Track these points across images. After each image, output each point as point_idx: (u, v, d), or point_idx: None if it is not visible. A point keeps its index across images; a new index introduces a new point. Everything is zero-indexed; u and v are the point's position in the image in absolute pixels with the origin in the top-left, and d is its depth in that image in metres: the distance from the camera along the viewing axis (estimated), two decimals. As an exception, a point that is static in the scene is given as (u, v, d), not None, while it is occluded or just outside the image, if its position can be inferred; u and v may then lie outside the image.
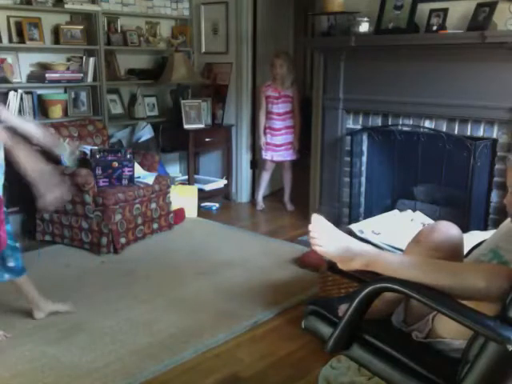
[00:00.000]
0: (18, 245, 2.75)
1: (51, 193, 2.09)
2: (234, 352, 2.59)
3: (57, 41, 4.42)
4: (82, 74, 4.50)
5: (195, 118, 4.99)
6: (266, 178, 5.05)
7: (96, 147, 4.13)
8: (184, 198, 4.62)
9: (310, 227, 1.47)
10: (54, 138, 2.68)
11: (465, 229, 2.50)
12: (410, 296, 1.52)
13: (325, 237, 1.45)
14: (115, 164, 3.92)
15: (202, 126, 5.00)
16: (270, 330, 2.80)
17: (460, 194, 3.54)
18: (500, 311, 1.42)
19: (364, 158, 4.17)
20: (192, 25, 5.34)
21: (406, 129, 3.83)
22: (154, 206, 4.12)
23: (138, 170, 4.17)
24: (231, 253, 3.85)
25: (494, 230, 1.84)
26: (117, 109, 4.94)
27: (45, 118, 4.34)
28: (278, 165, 5.00)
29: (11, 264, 2.68)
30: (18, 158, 2.11)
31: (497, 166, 3.44)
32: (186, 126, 4.90)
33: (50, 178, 2.13)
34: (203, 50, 5.35)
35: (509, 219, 1.73)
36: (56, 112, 4.38)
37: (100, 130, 4.46)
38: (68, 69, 4.46)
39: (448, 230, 1.65)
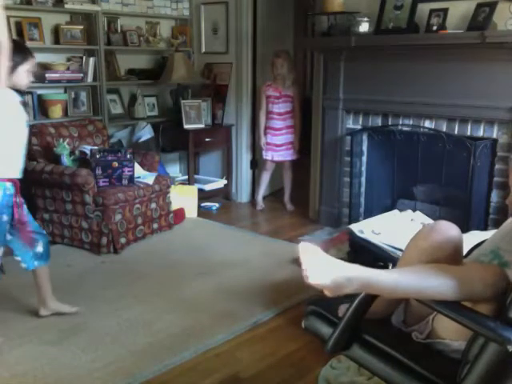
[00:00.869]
0: (44, 232, 2.81)
1: None
2: (234, 352, 2.59)
3: (57, 41, 4.42)
4: (81, 74, 4.50)
5: (195, 118, 4.98)
6: (266, 178, 5.05)
7: (96, 147, 4.13)
8: (184, 197, 4.61)
9: (300, 257, 1.43)
10: None
11: (465, 229, 2.50)
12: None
13: (314, 267, 1.41)
14: (115, 164, 3.91)
15: (201, 126, 5.00)
16: (270, 330, 2.80)
17: (460, 194, 3.54)
18: (500, 312, 1.42)
19: (364, 158, 4.17)
20: (192, 25, 5.34)
21: (405, 129, 3.83)
22: (153, 206, 4.12)
23: (138, 170, 4.17)
24: (231, 253, 3.85)
25: (495, 230, 1.84)
26: (117, 109, 4.94)
27: (45, 118, 4.34)
28: (278, 165, 4.99)
29: (40, 249, 2.71)
30: None
31: (497, 166, 3.45)
32: (186, 126, 4.90)
33: None
34: (203, 50, 5.35)
35: (510, 219, 1.73)
36: (56, 112, 4.38)
37: (100, 130, 4.46)
38: (68, 69, 4.46)
39: (447, 230, 1.65)
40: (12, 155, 2.51)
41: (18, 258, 2.71)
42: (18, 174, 2.56)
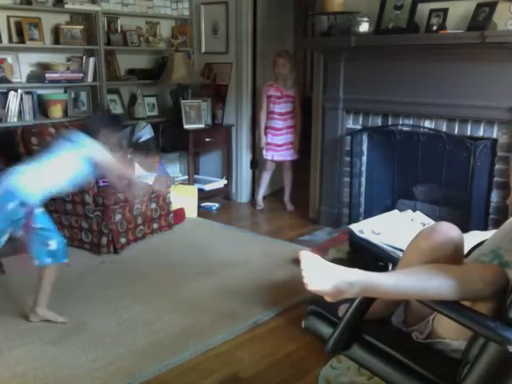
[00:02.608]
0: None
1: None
2: (234, 352, 2.59)
3: (57, 41, 4.42)
4: (82, 74, 4.50)
5: (195, 118, 4.98)
6: (266, 178, 5.05)
7: (96, 147, 4.12)
8: (184, 197, 4.61)
9: (300, 265, 1.46)
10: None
11: (465, 229, 2.49)
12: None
13: (314, 274, 1.43)
14: (115, 164, 3.91)
15: (201, 126, 5.00)
16: (270, 330, 2.80)
17: (460, 194, 3.54)
18: (500, 311, 1.42)
19: (364, 158, 4.17)
20: (192, 25, 5.34)
21: (405, 129, 3.83)
22: (154, 205, 4.12)
23: (138, 170, 4.16)
24: (231, 253, 3.85)
25: (495, 230, 1.84)
26: (117, 109, 4.94)
27: (45, 118, 4.34)
28: (278, 165, 4.99)
29: (53, 247, 2.69)
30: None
31: (497, 166, 3.45)
32: (186, 126, 4.90)
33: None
34: (203, 50, 5.35)
35: (510, 219, 1.73)
36: (56, 112, 4.38)
37: (100, 130, 4.45)
38: (68, 69, 4.47)
39: (448, 231, 1.65)
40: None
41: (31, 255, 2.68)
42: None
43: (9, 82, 4.09)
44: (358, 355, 1.68)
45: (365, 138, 4.13)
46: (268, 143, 4.87)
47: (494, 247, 1.67)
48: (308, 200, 4.73)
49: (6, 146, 3.88)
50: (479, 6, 3.33)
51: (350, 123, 4.16)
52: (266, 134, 4.87)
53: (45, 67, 4.32)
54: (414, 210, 3.34)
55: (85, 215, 3.81)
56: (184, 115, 4.90)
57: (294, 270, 3.49)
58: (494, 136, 3.44)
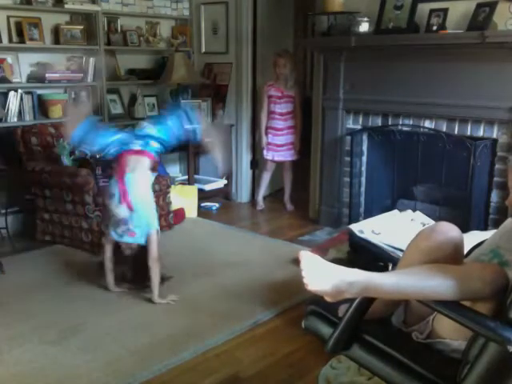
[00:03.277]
0: None
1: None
2: (234, 352, 2.59)
3: (57, 41, 4.42)
4: (82, 74, 4.50)
5: (195, 118, 4.98)
6: (266, 178, 5.05)
7: (96, 147, 4.12)
8: (184, 198, 4.61)
9: (300, 265, 1.46)
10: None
11: (465, 229, 2.50)
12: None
13: (314, 274, 1.44)
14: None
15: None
16: (269, 330, 2.80)
17: (460, 194, 3.54)
18: (499, 311, 1.42)
19: (364, 158, 4.17)
20: (192, 25, 5.34)
21: (405, 129, 3.83)
22: (153, 206, 4.12)
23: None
24: (231, 253, 3.85)
25: (495, 230, 1.84)
26: (117, 109, 4.94)
27: (45, 118, 4.34)
28: (279, 165, 4.99)
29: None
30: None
31: (497, 166, 3.45)
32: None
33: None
34: (203, 50, 5.35)
35: (510, 219, 1.73)
36: (56, 112, 4.38)
37: (100, 130, 4.45)
38: (68, 69, 4.47)
39: (448, 231, 1.65)
40: None
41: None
42: None
43: (9, 81, 4.09)
44: (357, 355, 1.68)
45: (365, 138, 4.13)
46: (268, 143, 4.87)
47: (494, 246, 1.67)
48: (308, 200, 4.73)
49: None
50: (479, 5, 3.33)
51: (350, 123, 4.16)
52: (266, 134, 4.87)
53: (45, 67, 4.32)
54: (414, 210, 3.34)
55: (85, 215, 3.81)
56: (184, 115, 4.90)
57: (294, 270, 3.49)
58: (494, 136, 3.44)
